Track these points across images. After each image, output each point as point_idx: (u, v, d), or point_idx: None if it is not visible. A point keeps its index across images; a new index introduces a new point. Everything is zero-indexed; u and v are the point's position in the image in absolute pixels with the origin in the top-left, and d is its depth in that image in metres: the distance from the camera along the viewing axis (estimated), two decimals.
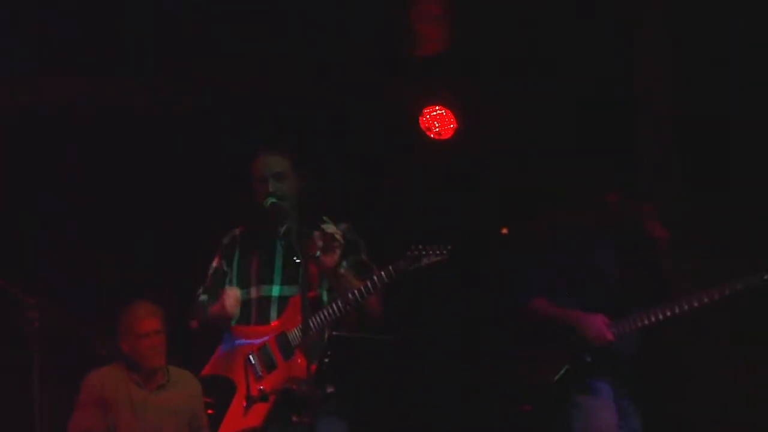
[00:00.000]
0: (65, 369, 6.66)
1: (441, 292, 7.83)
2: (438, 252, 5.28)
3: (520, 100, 7.67)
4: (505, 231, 8.17)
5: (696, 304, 5.77)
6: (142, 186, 7.78)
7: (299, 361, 5.24)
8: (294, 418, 5.24)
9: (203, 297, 5.69)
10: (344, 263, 5.46)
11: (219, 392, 5.52)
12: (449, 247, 5.28)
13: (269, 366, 5.37)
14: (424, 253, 5.27)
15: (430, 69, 7.66)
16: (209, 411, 6.95)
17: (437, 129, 7.80)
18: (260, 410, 5.29)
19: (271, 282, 5.50)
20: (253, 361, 5.43)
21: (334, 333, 5.40)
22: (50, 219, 7.66)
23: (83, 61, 7.35)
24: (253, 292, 5.54)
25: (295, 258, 5.39)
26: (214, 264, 5.70)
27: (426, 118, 7.82)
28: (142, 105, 7.72)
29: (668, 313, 5.79)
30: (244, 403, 5.36)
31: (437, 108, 7.81)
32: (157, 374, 6.63)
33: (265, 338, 5.44)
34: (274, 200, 5.46)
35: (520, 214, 8.10)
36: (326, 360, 5.25)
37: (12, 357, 5.86)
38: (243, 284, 5.57)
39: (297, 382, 5.24)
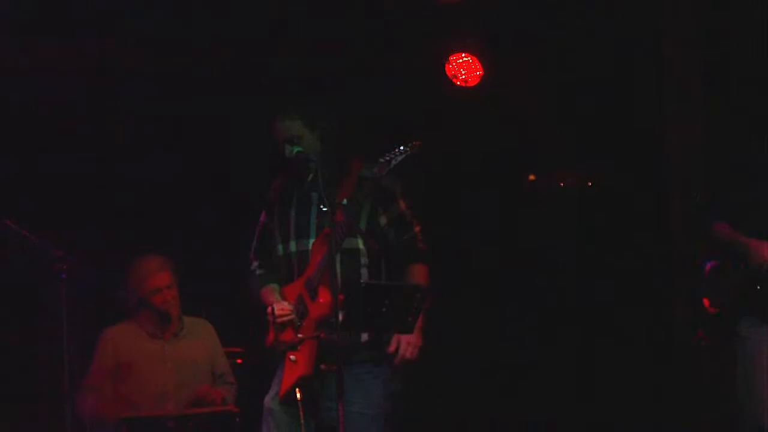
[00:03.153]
0: (94, 321, 6.70)
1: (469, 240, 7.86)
2: (402, 150, 5.24)
3: (547, 48, 7.62)
4: (532, 178, 8.16)
5: None
6: (171, 141, 7.76)
7: (321, 300, 5.22)
8: (322, 366, 5.21)
9: (254, 265, 5.65)
10: (383, 218, 5.45)
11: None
12: (414, 142, 5.23)
13: (303, 313, 5.36)
14: (391, 156, 5.25)
15: (456, 15, 7.60)
16: (238, 360, 7.05)
17: (463, 76, 7.75)
18: (306, 358, 5.27)
19: (307, 236, 5.46)
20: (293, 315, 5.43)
21: (365, 282, 5.36)
22: (79, 173, 7.66)
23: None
24: (293, 246, 5.50)
25: (321, 206, 5.36)
26: (262, 219, 5.66)
27: (452, 65, 7.77)
28: (157, 64, 7.69)
29: None
30: (291, 357, 5.34)
31: (463, 55, 7.76)
32: (172, 323, 6.65)
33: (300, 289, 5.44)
34: (299, 149, 5.43)
35: (546, 162, 8.09)
36: (368, 309, 5.18)
37: (40, 310, 5.90)
38: (284, 238, 5.53)
39: (323, 329, 5.23)
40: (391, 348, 5.31)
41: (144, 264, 6.58)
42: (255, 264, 5.67)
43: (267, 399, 5.48)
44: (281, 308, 5.38)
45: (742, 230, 5.64)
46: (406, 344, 5.30)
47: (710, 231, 5.75)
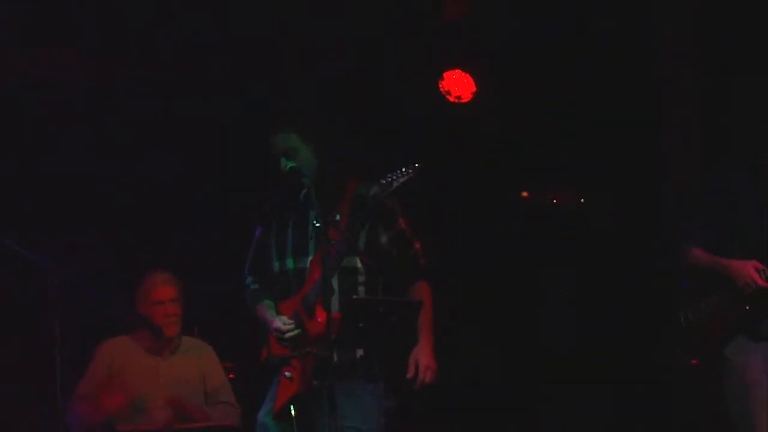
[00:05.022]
0: (86, 336, 6.71)
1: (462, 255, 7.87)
2: (404, 172, 5.28)
3: (540, 64, 7.65)
4: (525, 194, 8.18)
5: None
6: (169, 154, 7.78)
7: (319, 318, 5.23)
8: (314, 382, 5.24)
9: (249, 279, 5.68)
10: (384, 237, 5.47)
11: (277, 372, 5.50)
12: (416, 165, 5.27)
13: (295, 338, 5.38)
14: (393, 178, 5.28)
15: (452, 32, 7.64)
16: (230, 375, 7.06)
17: (457, 93, 7.77)
18: (302, 375, 5.30)
19: (305, 253, 5.47)
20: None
21: (356, 297, 5.37)
22: (75, 184, 7.67)
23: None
24: (290, 263, 5.51)
25: (315, 222, 5.36)
26: (257, 234, 5.67)
27: (446, 82, 7.80)
28: (157, 74, 7.73)
29: None
30: (287, 373, 5.36)
31: (457, 72, 7.79)
32: (171, 341, 6.67)
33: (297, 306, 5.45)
34: (293, 165, 5.44)
35: (539, 178, 8.11)
36: (360, 325, 5.20)
37: (33, 324, 5.90)
38: (280, 255, 5.55)
39: (316, 346, 5.23)
40: (410, 373, 5.33)
41: (151, 277, 6.64)
42: (249, 279, 5.69)
43: (260, 414, 5.49)
44: (284, 323, 5.39)
45: (722, 253, 5.70)
46: (425, 369, 5.34)
47: (687, 258, 5.79)
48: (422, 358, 5.36)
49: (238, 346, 6.79)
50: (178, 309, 6.65)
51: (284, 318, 5.41)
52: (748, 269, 5.59)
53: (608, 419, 7.70)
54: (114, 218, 7.70)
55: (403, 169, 5.29)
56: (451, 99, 7.78)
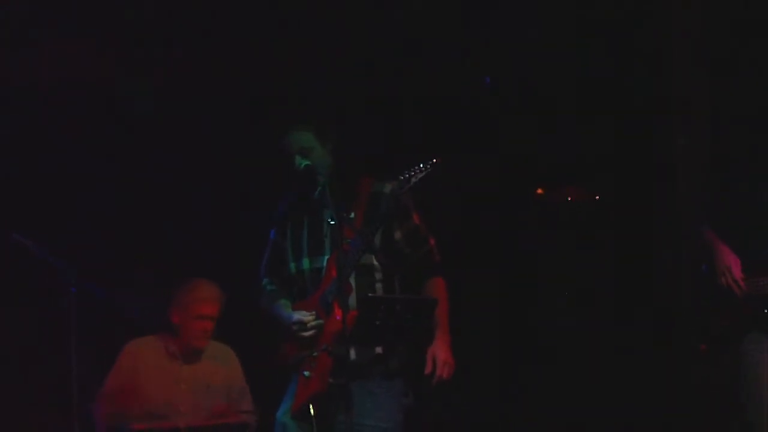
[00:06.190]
0: (103, 335, 6.70)
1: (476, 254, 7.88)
2: (423, 168, 5.23)
3: (555, 65, 7.68)
4: (540, 192, 8.18)
5: None
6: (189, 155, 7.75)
7: (337, 317, 5.21)
8: (330, 380, 5.22)
9: (266, 281, 5.66)
10: (398, 233, 5.46)
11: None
12: (434, 160, 5.23)
13: (318, 329, 5.36)
14: (411, 174, 5.24)
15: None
16: None
17: None
18: (321, 374, 5.27)
19: (321, 253, 5.46)
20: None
21: (371, 295, 5.35)
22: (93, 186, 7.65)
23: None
24: (306, 264, 5.49)
25: (330, 220, 5.35)
26: (272, 236, 5.65)
27: None
28: (157, 74, 7.70)
29: None
30: (305, 372, 5.33)
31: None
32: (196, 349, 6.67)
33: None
34: (307, 163, 5.43)
35: (555, 177, 8.12)
36: (376, 322, 5.17)
37: (50, 323, 5.89)
38: (296, 256, 5.53)
39: (333, 344, 5.22)
40: (428, 369, 5.32)
41: (200, 288, 6.62)
42: (266, 280, 5.67)
43: (279, 413, 5.47)
44: (304, 315, 5.36)
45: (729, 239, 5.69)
46: (442, 364, 5.32)
47: (700, 236, 5.80)
48: (440, 354, 5.35)
49: (249, 346, 6.76)
50: (213, 325, 6.65)
51: (303, 311, 5.39)
52: (728, 256, 5.59)
53: (617, 410, 7.69)
54: (114, 218, 7.66)
55: (422, 165, 5.27)
56: None
